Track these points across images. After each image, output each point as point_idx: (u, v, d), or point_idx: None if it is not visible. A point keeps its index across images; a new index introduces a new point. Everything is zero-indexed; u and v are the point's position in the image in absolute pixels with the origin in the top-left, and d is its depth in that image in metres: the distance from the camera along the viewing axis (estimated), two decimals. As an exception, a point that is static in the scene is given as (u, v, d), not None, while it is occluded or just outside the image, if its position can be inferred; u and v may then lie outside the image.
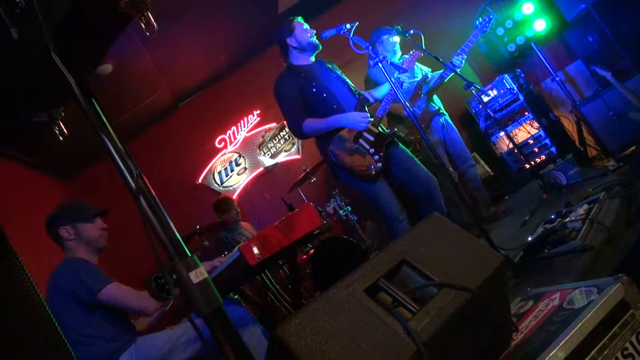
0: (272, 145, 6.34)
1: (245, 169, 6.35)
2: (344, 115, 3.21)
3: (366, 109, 3.32)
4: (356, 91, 3.50)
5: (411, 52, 3.68)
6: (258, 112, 6.36)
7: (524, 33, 5.14)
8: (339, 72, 3.52)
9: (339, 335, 1.09)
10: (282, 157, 6.34)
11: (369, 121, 3.16)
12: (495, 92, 5.04)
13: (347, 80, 3.50)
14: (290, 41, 3.35)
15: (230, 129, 6.35)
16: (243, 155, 6.37)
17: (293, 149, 6.31)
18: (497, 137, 5.16)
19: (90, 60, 1.04)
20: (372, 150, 3.25)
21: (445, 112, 4.34)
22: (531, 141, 4.88)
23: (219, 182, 6.30)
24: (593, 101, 4.39)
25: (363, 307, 1.17)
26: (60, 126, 1.15)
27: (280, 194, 5.20)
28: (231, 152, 6.36)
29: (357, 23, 2.96)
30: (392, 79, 2.85)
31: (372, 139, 3.27)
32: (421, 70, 4.33)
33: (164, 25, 4.34)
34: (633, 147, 3.85)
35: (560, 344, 1.20)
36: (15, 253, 1.10)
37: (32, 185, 5.10)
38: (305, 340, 1.06)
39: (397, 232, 3.24)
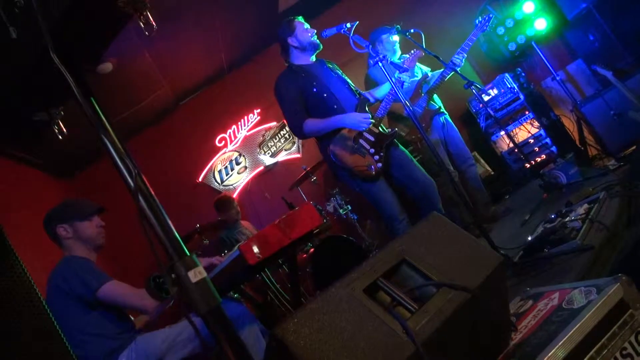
0: (272, 144, 6.35)
1: (246, 167, 6.35)
2: (346, 116, 3.21)
3: (367, 109, 3.32)
4: (356, 91, 3.50)
5: (412, 51, 3.67)
6: (258, 110, 6.36)
7: (525, 32, 5.13)
8: (339, 71, 3.52)
9: (337, 335, 1.09)
10: (282, 156, 6.34)
11: (370, 122, 3.17)
12: (495, 91, 5.03)
13: (348, 80, 3.50)
14: (291, 41, 3.35)
15: (230, 128, 6.35)
16: (243, 154, 6.37)
17: (293, 148, 6.31)
18: (497, 137, 5.16)
19: (89, 60, 1.04)
20: (372, 150, 3.25)
21: (446, 112, 4.34)
22: (531, 140, 4.87)
23: (219, 180, 6.30)
24: (594, 100, 4.38)
25: (362, 307, 1.17)
26: (60, 125, 1.15)
27: (281, 192, 5.20)
28: (231, 150, 6.36)
29: (357, 22, 2.96)
30: (393, 79, 2.85)
31: (372, 139, 3.26)
32: (421, 69, 4.32)
33: (164, 24, 4.36)
34: (633, 147, 3.84)
35: (559, 344, 1.21)
36: (14, 252, 1.10)
37: (32, 183, 5.11)
38: (304, 340, 1.06)
39: (397, 232, 3.24)
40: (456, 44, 3.80)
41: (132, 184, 0.94)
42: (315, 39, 3.33)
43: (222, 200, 5.23)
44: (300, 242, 2.32)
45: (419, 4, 5.82)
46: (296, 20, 3.37)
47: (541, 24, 5.06)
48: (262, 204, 6.08)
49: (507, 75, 4.97)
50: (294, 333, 1.07)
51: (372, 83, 4.04)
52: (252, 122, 6.37)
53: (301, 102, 3.29)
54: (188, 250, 0.98)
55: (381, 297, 1.26)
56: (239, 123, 6.36)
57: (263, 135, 6.38)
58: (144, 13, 0.96)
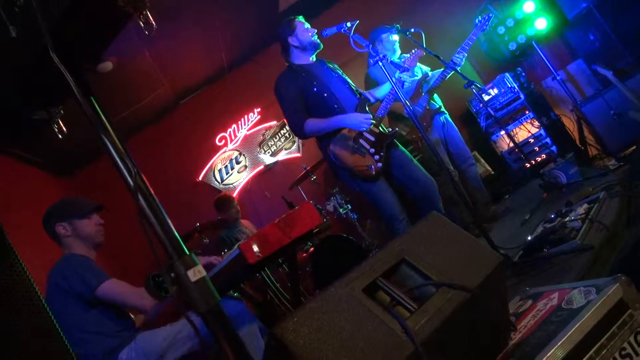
0: (272, 143, 6.35)
1: (246, 166, 6.35)
2: (347, 116, 3.21)
3: (367, 109, 3.32)
4: (357, 91, 3.50)
5: (413, 50, 3.67)
6: (259, 110, 6.36)
7: (525, 32, 5.13)
8: (339, 71, 3.52)
9: (337, 334, 1.09)
10: (282, 155, 6.34)
11: (371, 122, 3.17)
12: (496, 90, 5.03)
13: (348, 79, 3.50)
14: (291, 40, 3.35)
15: (230, 127, 6.35)
16: (243, 153, 6.37)
17: (293, 147, 6.31)
18: (497, 136, 5.16)
19: (89, 59, 1.04)
20: (372, 150, 3.25)
21: (446, 111, 4.34)
22: (532, 140, 4.88)
23: (219, 179, 6.30)
24: (594, 100, 4.38)
25: (361, 306, 1.17)
26: (60, 124, 1.15)
27: (281, 192, 5.20)
28: (232, 150, 6.36)
29: (358, 21, 2.96)
30: (393, 78, 2.85)
31: (372, 139, 3.26)
32: (421, 69, 4.32)
33: (164, 24, 4.36)
34: (633, 147, 3.84)
35: (559, 344, 1.21)
36: (14, 251, 1.10)
37: (32, 182, 5.11)
38: (303, 339, 1.06)
39: (397, 232, 3.24)
40: (456, 44, 3.80)
41: (131, 183, 0.94)
42: (316, 38, 3.33)
43: (222, 200, 5.23)
44: (300, 242, 2.33)
45: (419, 3, 5.82)
46: (296, 19, 3.37)
47: (541, 24, 5.06)
48: (262, 203, 6.08)
49: (507, 74, 4.97)
50: (293, 332, 1.07)
51: (372, 82, 4.04)
52: (252, 121, 6.37)
53: (301, 101, 3.29)
54: (188, 249, 0.98)
55: (380, 296, 1.26)
56: (239, 122, 6.36)
57: (263, 135, 6.38)
58: (144, 12, 0.96)
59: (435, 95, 4.27)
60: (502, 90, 4.98)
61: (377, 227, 5.29)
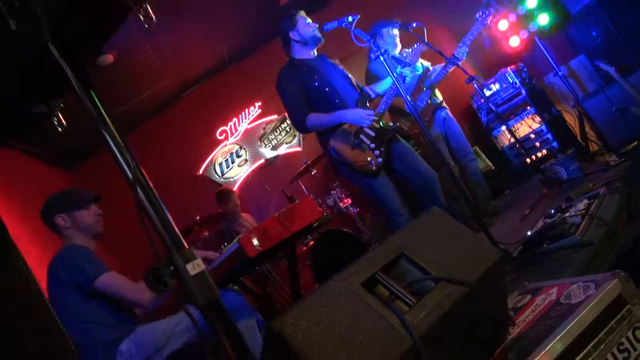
0: (273, 137, 6.34)
1: (246, 160, 6.35)
2: (348, 111, 3.20)
3: (367, 104, 3.32)
4: (358, 85, 3.49)
5: (415, 45, 3.66)
6: (259, 104, 6.35)
7: (527, 27, 5.11)
8: (340, 66, 3.51)
9: (335, 328, 1.10)
10: (283, 149, 6.33)
11: (373, 118, 3.16)
12: (497, 86, 5.02)
13: (349, 74, 3.49)
14: (292, 35, 3.33)
15: (231, 121, 6.34)
16: (244, 147, 6.37)
17: (294, 141, 6.31)
18: (498, 131, 5.15)
19: (88, 52, 1.04)
20: (373, 145, 3.25)
21: (446, 106, 4.33)
22: (533, 136, 4.87)
23: (219, 173, 6.30)
24: (596, 96, 4.37)
25: (360, 300, 1.17)
26: (59, 117, 1.15)
27: (281, 186, 5.20)
28: (232, 143, 6.35)
29: (359, 16, 2.94)
30: (395, 74, 2.84)
31: (373, 134, 3.26)
32: (422, 64, 4.31)
33: (165, 17, 4.34)
34: (635, 143, 3.83)
35: (557, 338, 1.21)
36: (16, 248, 1.10)
37: (34, 175, 5.11)
38: (302, 332, 1.07)
39: (398, 226, 3.25)
40: (458, 38, 3.79)
41: (130, 176, 0.94)
42: (317, 33, 3.31)
43: (221, 193, 5.24)
44: (300, 235, 2.33)
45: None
46: (298, 14, 3.36)
47: (544, 19, 5.03)
48: (263, 197, 6.08)
49: (509, 70, 4.96)
50: (292, 326, 1.07)
51: (373, 77, 4.02)
52: (253, 115, 6.36)
53: (303, 96, 3.29)
54: (188, 243, 0.99)
55: (379, 291, 1.26)
56: (240, 116, 6.36)
57: (264, 128, 6.37)
58: (144, 6, 0.96)
59: (436, 90, 4.26)
60: (504, 85, 4.97)
61: (377, 222, 5.29)
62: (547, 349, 1.19)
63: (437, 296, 1.22)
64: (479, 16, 3.73)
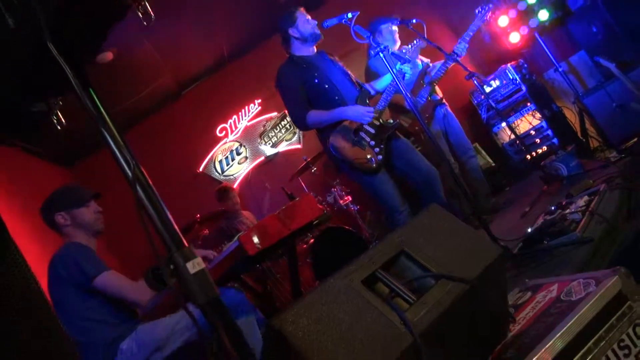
0: (273, 134, 6.33)
1: (246, 158, 6.34)
2: (349, 108, 3.20)
3: (367, 101, 3.31)
4: (357, 82, 3.49)
5: (414, 41, 3.65)
6: (259, 101, 6.34)
7: (528, 23, 5.09)
8: (340, 63, 3.50)
9: (336, 326, 1.10)
10: (283, 147, 6.33)
11: (373, 115, 3.16)
12: (497, 82, 5.01)
13: (349, 71, 3.49)
14: (292, 32, 3.33)
15: (231, 118, 6.33)
16: (244, 145, 6.36)
17: (294, 139, 6.30)
18: (498, 128, 5.14)
19: (87, 50, 1.03)
20: (372, 142, 3.25)
21: (446, 102, 4.32)
22: (533, 132, 4.86)
23: (219, 171, 6.30)
24: (596, 92, 4.36)
25: (360, 298, 1.17)
26: (59, 116, 1.15)
27: (281, 183, 5.20)
28: (232, 141, 6.35)
29: (359, 12, 2.94)
30: (394, 70, 2.84)
31: (373, 131, 3.26)
32: (421, 60, 4.30)
33: (165, 14, 4.33)
34: (635, 139, 3.83)
35: (557, 335, 1.21)
36: (14, 242, 1.10)
37: (33, 172, 5.11)
38: (302, 330, 1.07)
39: (397, 224, 3.25)
40: (458, 35, 3.78)
41: (130, 174, 0.94)
42: (317, 30, 3.31)
43: (220, 190, 5.24)
44: (300, 233, 2.33)
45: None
46: (297, 10, 3.35)
47: (544, 15, 5.02)
48: (263, 195, 6.08)
49: (509, 66, 4.94)
50: (292, 323, 1.07)
51: (372, 74, 4.01)
52: (253, 112, 6.35)
53: (303, 93, 3.29)
54: (187, 241, 0.99)
55: (380, 288, 1.26)
56: (240, 113, 6.34)
57: (264, 126, 6.36)
58: (142, 3, 0.95)
59: (436, 87, 4.25)
60: (504, 81, 4.96)
61: (378, 219, 5.29)
62: (547, 346, 1.19)
63: (437, 293, 1.22)
64: (478, 12, 3.72)
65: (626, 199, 2.44)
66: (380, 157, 3.23)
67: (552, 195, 3.51)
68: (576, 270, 1.86)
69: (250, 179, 6.25)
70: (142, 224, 0.93)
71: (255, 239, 1.97)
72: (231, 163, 6.31)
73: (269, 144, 6.33)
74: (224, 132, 6.34)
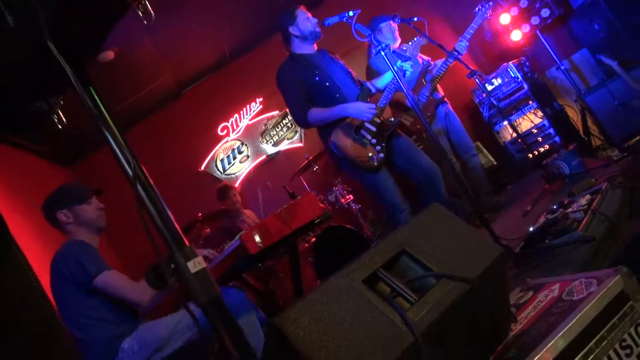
0: (274, 133, 6.33)
1: (248, 156, 6.34)
2: (350, 105, 3.20)
3: (367, 99, 3.31)
4: (358, 81, 3.48)
5: (415, 39, 3.64)
6: (260, 99, 6.33)
7: (529, 20, 5.08)
8: (341, 61, 3.50)
9: (337, 325, 1.10)
10: (284, 145, 6.32)
11: (374, 112, 3.16)
12: (499, 80, 4.99)
13: (349, 69, 3.48)
14: (292, 30, 3.32)
15: (232, 117, 6.33)
16: (245, 143, 6.36)
17: (295, 137, 6.30)
18: (500, 126, 5.12)
19: (87, 49, 1.03)
20: (374, 140, 3.25)
21: (447, 101, 4.32)
22: (535, 130, 4.84)
23: (221, 169, 6.30)
24: (598, 90, 4.35)
25: (361, 297, 1.17)
26: (59, 115, 1.15)
27: (283, 182, 5.19)
28: (233, 139, 6.35)
29: (360, 10, 2.93)
30: (395, 68, 2.83)
31: (374, 129, 3.25)
32: (421, 58, 4.29)
33: (166, 12, 4.33)
34: (637, 137, 3.82)
35: (559, 335, 1.21)
36: (15, 242, 1.10)
37: (34, 171, 5.11)
38: (303, 330, 1.07)
39: (399, 222, 3.25)
40: (459, 33, 3.78)
41: (130, 173, 0.94)
42: (317, 28, 3.30)
43: (220, 189, 5.25)
44: (301, 232, 2.33)
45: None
46: (298, 8, 3.35)
47: (546, 13, 5.00)
48: (264, 193, 6.08)
49: (511, 64, 4.93)
50: (293, 323, 1.07)
51: (373, 73, 4.01)
52: (254, 110, 6.35)
53: (304, 91, 3.28)
54: (189, 240, 0.98)
55: (381, 287, 1.26)
56: (241, 112, 6.34)
57: (265, 124, 6.36)
58: (143, 2, 0.95)
59: (437, 86, 4.25)
60: (506, 80, 4.94)
61: (379, 218, 5.29)
62: (549, 345, 1.19)
63: (438, 293, 1.21)
64: (478, 10, 3.71)
65: (628, 198, 2.44)
66: (381, 155, 3.23)
67: (554, 194, 3.50)
68: (578, 269, 1.86)
69: (252, 178, 6.25)
70: (143, 223, 0.93)
71: (257, 238, 1.97)
72: (232, 162, 6.31)
73: (271, 142, 6.33)
74: (225, 131, 6.33)
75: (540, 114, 4.82)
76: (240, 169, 6.29)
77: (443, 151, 2.77)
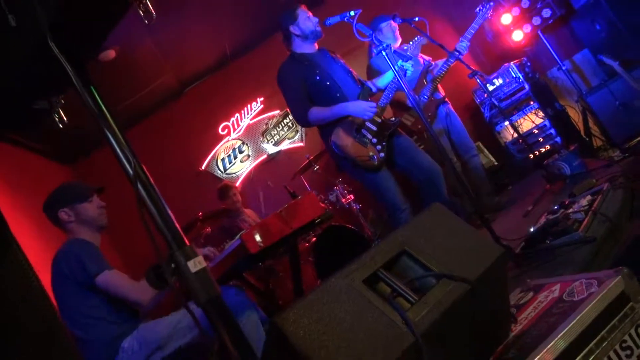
0: (275, 132, 6.33)
1: (249, 156, 6.34)
2: (350, 104, 3.20)
3: (368, 98, 3.31)
4: (359, 80, 3.48)
5: (415, 38, 3.64)
6: (262, 99, 6.33)
7: (531, 21, 5.07)
8: (342, 60, 3.50)
9: (337, 325, 1.10)
10: (285, 145, 6.32)
11: (375, 111, 3.15)
12: (500, 80, 4.98)
13: (350, 68, 3.48)
14: (293, 29, 3.32)
15: (233, 116, 6.33)
16: (246, 143, 6.36)
17: (296, 137, 6.30)
18: (501, 127, 5.12)
19: (89, 48, 1.03)
20: (374, 140, 3.24)
21: (448, 101, 4.32)
22: (536, 131, 4.84)
23: (222, 169, 6.30)
24: (599, 91, 4.34)
25: (361, 297, 1.17)
26: (60, 114, 1.15)
27: (283, 181, 5.19)
28: (234, 139, 6.35)
29: (361, 10, 2.93)
30: (396, 67, 2.83)
31: (374, 128, 3.25)
32: (422, 58, 4.29)
33: (167, 12, 4.33)
34: (638, 138, 3.81)
35: (559, 336, 1.21)
36: (15, 240, 1.10)
37: (35, 169, 5.12)
38: (303, 330, 1.07)
39: (399, 222, 3.25)
40: (460, 33, 3.77)
41: (131, 172, 0.94)
42: (318, 27, 3.30)
43: (220, 188, 5.25)
44: (302, 232, 2.33)
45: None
46: (299, 8, 3.35)
47: (547, 13, 4.99)
48: (265, 193, 6.08)
49: (512, 64, 4.92)
50: (293, 323, 1.07)
51: (374, 72, 4.01)
52: (255, 110, 6.35)
53: (305, 90, 3.28)
54: (189, 239, 0.98)
55: (381, 288, 1.26)
56: (242, 111, 6.34)
57: (266, 124, 6.36)
58: (144, 1, 0.95)
59: (438, 86, 4.24)
60: (507, 80, 4.93)
61: (380, 218, 5.29)
62: (549, 346, 1.19)
63: (438, 293, 1.21)
64: (479, 10, 3.71)
65: (629, 199, 2.44)
66: (382, 154, 3.23)
67: (555, 194, 3.50)
68: (578, 270, 1.86)
69: (253, 177, 6.25)
70: (144, 222, 0.93)
71: (258, 237, 1.97)
72: (233, 161, 6.31)
73: (272, 142, 6.33)
74: (226, 130, 6.33)
75: (541, 114, 4.81)
76: (241, 169, 6.29)
77: (444, 151, 2.77)
